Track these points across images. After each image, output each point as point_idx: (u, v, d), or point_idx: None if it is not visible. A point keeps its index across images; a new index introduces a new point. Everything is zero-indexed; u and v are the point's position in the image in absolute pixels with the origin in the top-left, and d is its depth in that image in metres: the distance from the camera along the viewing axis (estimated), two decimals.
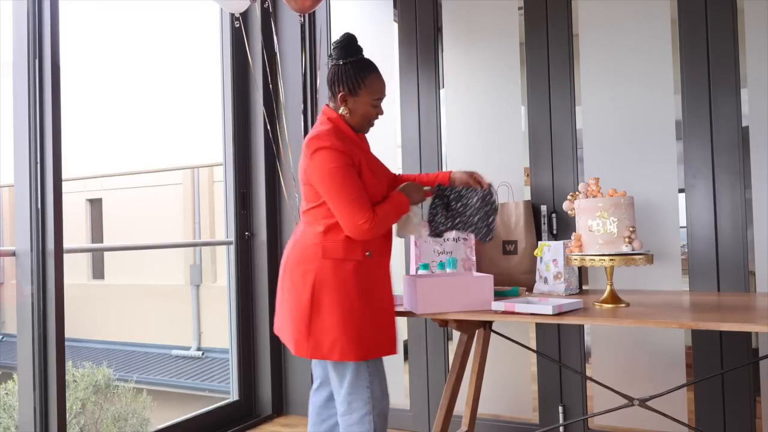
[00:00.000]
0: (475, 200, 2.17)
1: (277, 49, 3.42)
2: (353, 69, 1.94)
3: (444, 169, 3.09)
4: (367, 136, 2.10)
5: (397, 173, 2.25)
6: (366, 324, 1.89)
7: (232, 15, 3.28)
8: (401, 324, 3.19)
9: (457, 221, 2.17)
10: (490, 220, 2.15)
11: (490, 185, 2.16)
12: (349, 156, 1.88)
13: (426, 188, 2.10)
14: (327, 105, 2.02)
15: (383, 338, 1.94)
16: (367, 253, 1.92)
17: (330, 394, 2.11)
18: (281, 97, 3.42)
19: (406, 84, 3.18)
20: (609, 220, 2.02)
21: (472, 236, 2.24)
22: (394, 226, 2.07)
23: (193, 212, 8.27)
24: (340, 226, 1.89)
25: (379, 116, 2.03)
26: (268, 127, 3.42)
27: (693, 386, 2.57)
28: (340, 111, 1.97)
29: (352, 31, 2.01)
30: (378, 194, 1.95)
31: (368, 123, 2.02)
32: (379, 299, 1.94)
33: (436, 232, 2.20)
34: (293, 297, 1.95)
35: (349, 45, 1.97)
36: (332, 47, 2.00)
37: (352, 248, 1.90)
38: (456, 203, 2.17)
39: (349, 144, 1.91)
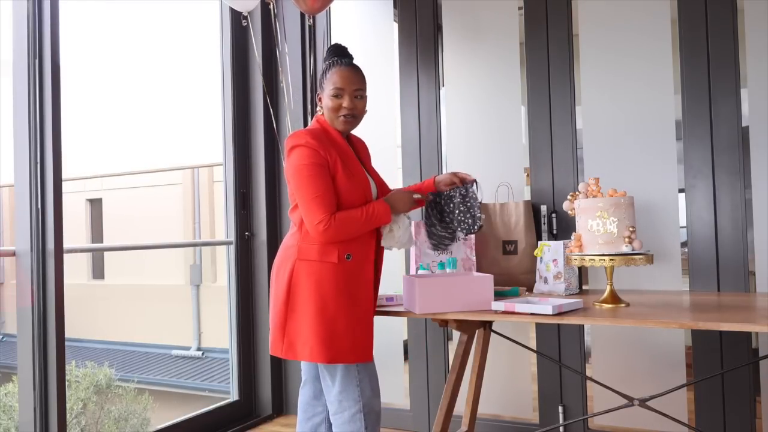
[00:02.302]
0: (457, 198, 2.17)
1: (277, 49, 3.42)
2: (325, 67, 2.03)
3: (444, 170, 3.09)
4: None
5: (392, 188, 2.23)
6: (339, 327, 1.90)
7: (237, 13, 3.28)
8: (401, 324, 3.20)
9: (449, 225, 2.20)
10: (473, 212, 2.14)
11: (474, 181, 2.18)
12: (323, 156, 1.90)
13: (416, 195, 2.09)
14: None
15: (357, 343, 1.93)
16: (347, 256, 1.93)
17: (315, 391, 2.13)
18: (282, 97, 3.42)
19: (406, 84, 3.18)
20: (609, 220, 2.02)
21: (466, 234, 2.23)
22: (386, 236, 2.05)
23: (193, 212, 8.27)
24: None
25: (347, 109, 1.97)
26: (268, 127, 3.42)
27: (693, 386, 2.57)
28: (317, 110, 2.05)
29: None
30: (352, 201, 1.94)
31: (335, 117, 1.99)
32: (355, 303, 1.94)
33: (440, 245, 2.22)
34: (273, 297, 2.01)
35: (331, 50, 2.06)
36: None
37: (327, 251, 1.91)
38: (447, 207, 2.19)
39: (326, 145, 1.93)
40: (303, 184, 1.88)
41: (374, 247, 2.02)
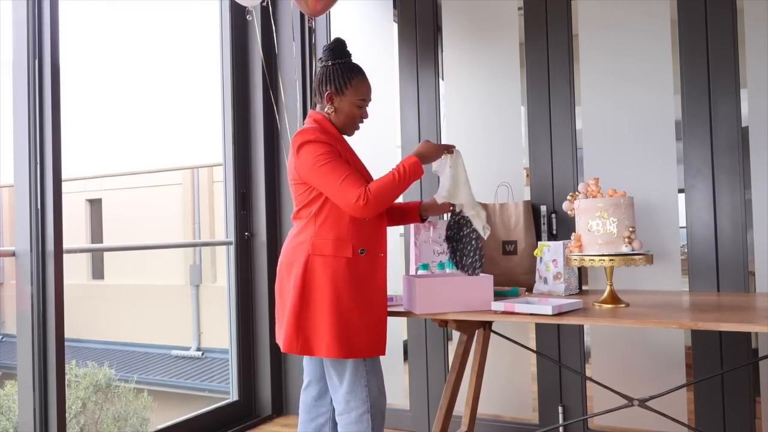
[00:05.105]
0: (461, 235, 2.15)
1: (277, 49, 3.42)
2: (341, 69, 2.00)
3: None
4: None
5: None
6: (354, 322, 1.91)
7: (237, 13, 3.28)
8: (401, 324, 3.19)
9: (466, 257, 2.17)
10: (473, 252, 2.13)
11: (453, 209, 2.14)
12: (334, 146, 1.93)
13: (450, 145, 2.10)
14: (313, 109, 2.08)
15: (372, 338, 1.94)
16: (360, 251, 1.94)
17: (319, 392, 2.12)
18: (281, 97, 3.42)
19: (405, 84, 3.18)
20: (609, 221, 2.02)
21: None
22: (446, 191, 2.05)
23: (193, 212, 8.27)
24: (330, 224, 1.93)
25: (364, 119, 2.07)
26: (269, 127, 3.42)
27: (693, 386, 2.57)
28: (326, 110, 2.02)
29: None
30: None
31: (353, 124, 2.05)
32: (369, 298, 1.95)
33: (474, 269, 2.15)
34: (284, 295, 1.99)
35: (338, 48, 2.05)
36: (322, 51, 2.06)
37: (342, 246, 1.92)
38: (458, 244, 2.17)
39: (332, 139, 1.95)
40: (327, 171, 1.88)
41: (385, 241, 2.03)
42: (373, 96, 2.08)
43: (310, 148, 1.90)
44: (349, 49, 2.06)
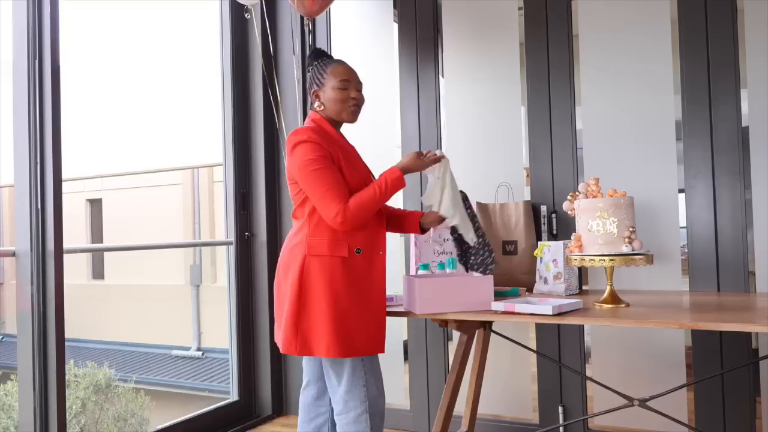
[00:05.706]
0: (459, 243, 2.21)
1: (272, 50, 3.42)
2: (317, 66, 2.05)
3: None
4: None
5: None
6: (353, 321, 1.91)
7: (238, 12, 3.27)
8: (401, 324, 3.19)
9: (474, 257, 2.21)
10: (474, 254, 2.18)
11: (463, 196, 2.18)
12: (327, 149, 1.93)
13: (431, 153, 2.09)
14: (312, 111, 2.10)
15: (371, 336, 1.94)
16: (357, 250, 1.94)
17: (319, 391, 2.13)
18: (280, 97, 3.42)
19: (406, 84, 3.18)
20: (609, 221, 2.02)
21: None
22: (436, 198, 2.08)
23: (193, 212, 8.27)
24: (325, 224, 1.93)
25: (358, 102, 2.03)
26: (269, 127, 3.42)
27: (693, 386, 2.57)
28: (315, 106, 2.04)
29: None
30: (360, 188, 1.96)
31: (345, 108, 2.01)
32: (367, 297, 1.95)
33: (487, 268, 2.20)
34: (282, 296, 1.99)
35: (316, 52, 2.10)
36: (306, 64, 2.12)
37: (338, 245, 1.92)
38: (462, 247, 2.22)
39: (328, 140, 1.96)
40: (312, 178, 1.89)
41: (384, 240, 2.03)
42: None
43: (302, 149, 1.91)
44: (329, 52, 2.10)
